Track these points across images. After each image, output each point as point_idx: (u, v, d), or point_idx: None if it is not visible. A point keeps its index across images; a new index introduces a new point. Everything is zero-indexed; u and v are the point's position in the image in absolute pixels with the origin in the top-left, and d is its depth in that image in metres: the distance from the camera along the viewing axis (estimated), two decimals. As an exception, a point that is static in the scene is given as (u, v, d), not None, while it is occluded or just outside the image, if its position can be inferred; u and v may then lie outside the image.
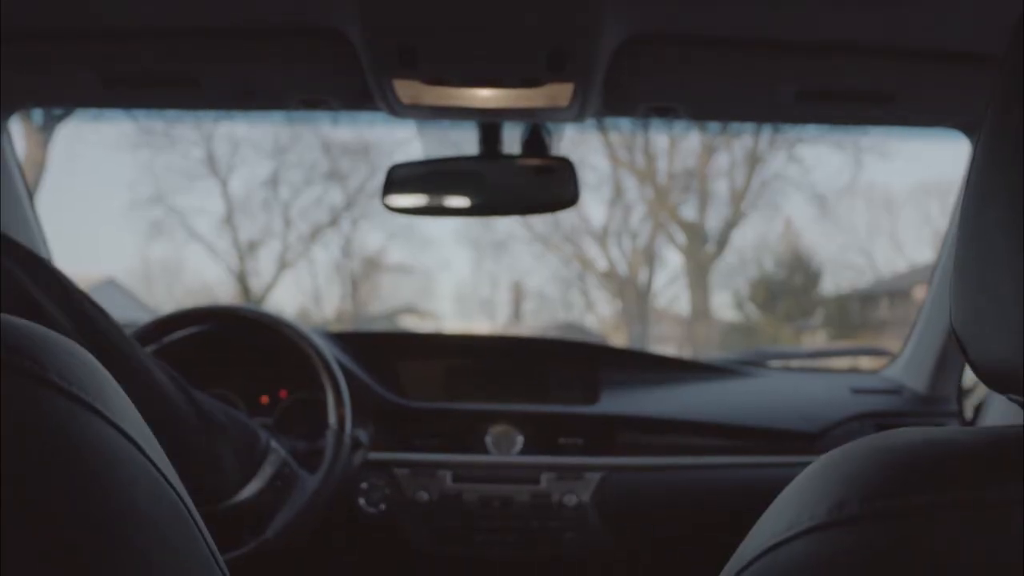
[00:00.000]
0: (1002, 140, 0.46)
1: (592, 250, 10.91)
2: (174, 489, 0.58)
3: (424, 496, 1.60)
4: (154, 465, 0.56)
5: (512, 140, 1.52)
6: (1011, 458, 0.42)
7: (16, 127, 1.63)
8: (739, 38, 1.21)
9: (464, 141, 1.54)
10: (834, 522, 0.42)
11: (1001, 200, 0.44)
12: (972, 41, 1.19)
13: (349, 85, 1.32)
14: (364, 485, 1.60)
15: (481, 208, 1.53)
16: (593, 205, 10.36)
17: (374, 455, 1.61)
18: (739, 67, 1.28)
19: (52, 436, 0.49)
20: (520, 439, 1.67)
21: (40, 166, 7.69)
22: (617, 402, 1.73)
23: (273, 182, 11.21)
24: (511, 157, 1.50)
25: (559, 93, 1.27)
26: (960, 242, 0.49)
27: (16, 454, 0.47)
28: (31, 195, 1.68)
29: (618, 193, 10.77)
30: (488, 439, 1.67)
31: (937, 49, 1.22)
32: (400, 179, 1.50)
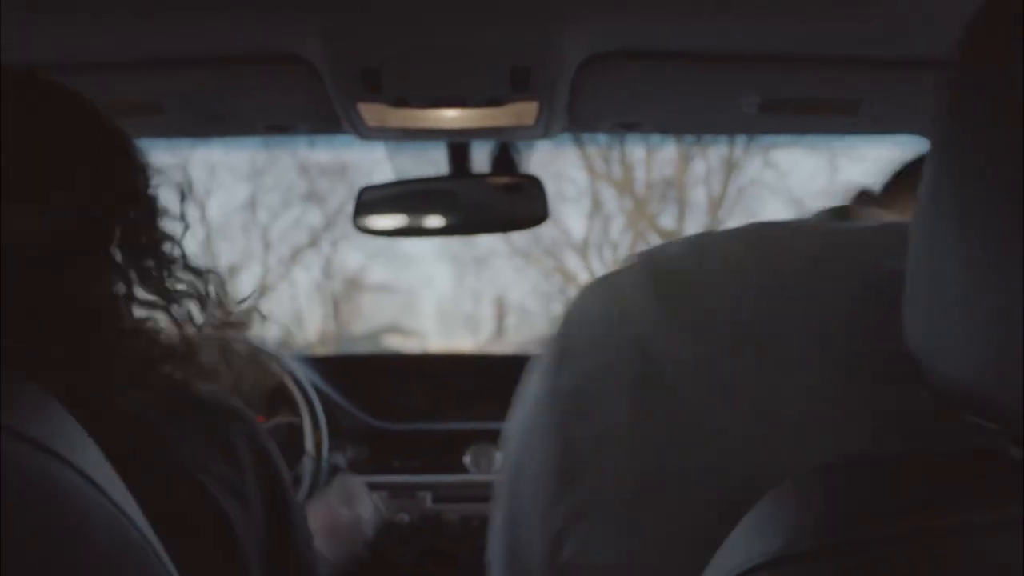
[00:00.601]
0: (952, 151, 0.45)
1: (573, 263, 10.92)
2: (139, 530, 0.57)
3: (404, 518, 1.60)
4: (117, 507, 0.55)
5: (482, 158, 1.52)
6: (964, 484, 0.42)
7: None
8: (702, 52, 1.22)
9: (438, 158, 1.55)
10: (786, 558, 0.41)
11: (953, 211, 0.44)
12: (935, 49, 1.20)
13: (315, 110, 1.32)
14: None
15: (453, 228, 1.54)
16: (573, 218, 10.38)
17: None
18: (703, 81, 1.28)
19: (7, 481, 0.49)
20: (499, 457, 1.67)
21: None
22: None
23: (251, 205, 11.16)
24: (481, 176, 1.50)
25: (524, 111, 1.28)
26: (913, 255, 0.49)
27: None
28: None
29: (597, 205, 10.79)
30: (467, 458, 1.67)
31: (900, 57, 1.23)
32: (371, 201, 1.50)
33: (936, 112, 0.47)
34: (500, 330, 11.13)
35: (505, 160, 1.50)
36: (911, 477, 0.43)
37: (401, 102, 1.25)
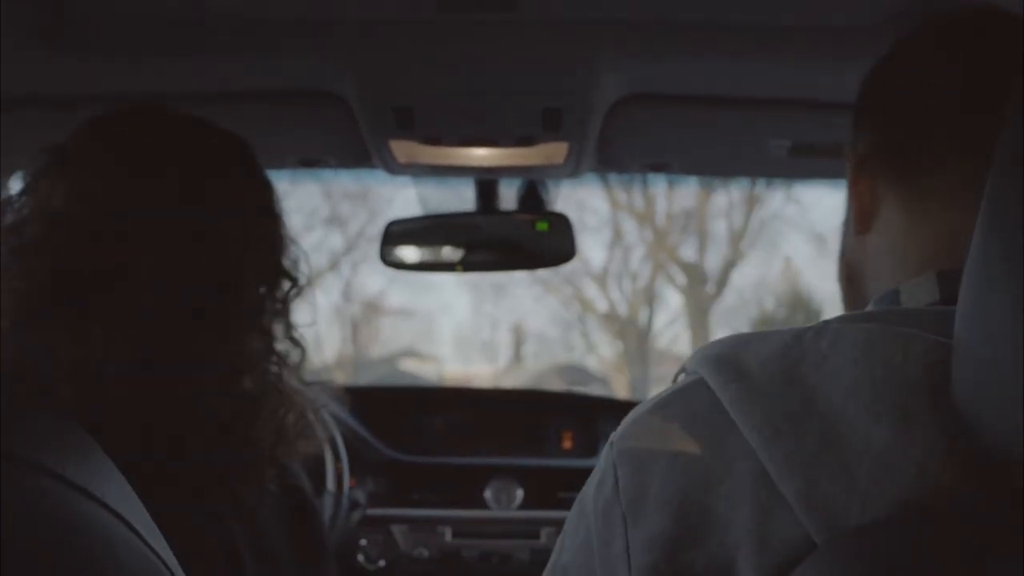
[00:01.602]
0: (1003, 205, 0.45)
1: (592, 291, 10.91)
2: (171, 571, 0.58)
3: (424, 553, 1.59)
4: (149, 547, 0.56)
5: (510, 195, 1.53)
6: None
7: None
8: (732, 96, 1.23)
9: (461, 186, 1.55)
10: None
11: (1005, 268, 0.44)
12: None
13: (346, 145, 1.34)
14: (363, 542, 1.59)
15: (479, 264, 1.54)
16: (593, 247, 10.38)
17: (372, 511, 1.60)
18: (733, 124, 1.29)
19: (44, 522, 0.49)
20: (520, 493, 1.66)
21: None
22: None
23: (273, 227, 11.23)
24: (508, 213, 1.51)
25: (554, 151, 1.28)
26: (962, 311, 0.49)
27: (8, 539, 0.47)
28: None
29: (617, 235, 10.79)
30: (488, 494, 1.66)
31: None
32: (398, 234, 1.51)
33: (993, 167, 0.47)
34: (517, 357, 11.12)
35: (533, 197, 1.51)
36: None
37: (432, 140, 1.26)
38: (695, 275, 10.95)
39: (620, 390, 10.44)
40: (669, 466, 0.61)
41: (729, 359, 0.61)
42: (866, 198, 0.72)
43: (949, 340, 0.52)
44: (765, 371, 0.58)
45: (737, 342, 0.62)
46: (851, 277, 0.76)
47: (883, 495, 0.51)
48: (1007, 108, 0.51)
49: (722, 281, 11.05)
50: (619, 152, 1.36)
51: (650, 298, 11.20)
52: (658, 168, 1.42)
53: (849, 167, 0.74)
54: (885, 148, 0.71)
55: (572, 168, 1.35)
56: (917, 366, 0.53)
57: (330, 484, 1.47)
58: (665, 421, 0.64)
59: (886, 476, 0.51)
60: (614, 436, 0.66)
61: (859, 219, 0.73)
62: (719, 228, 11.35)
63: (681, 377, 0.67)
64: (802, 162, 1.38)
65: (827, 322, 0.60)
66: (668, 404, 0.65)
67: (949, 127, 0.66)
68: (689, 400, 0.63)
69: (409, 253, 1.51)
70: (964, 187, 0.65)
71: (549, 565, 0.66)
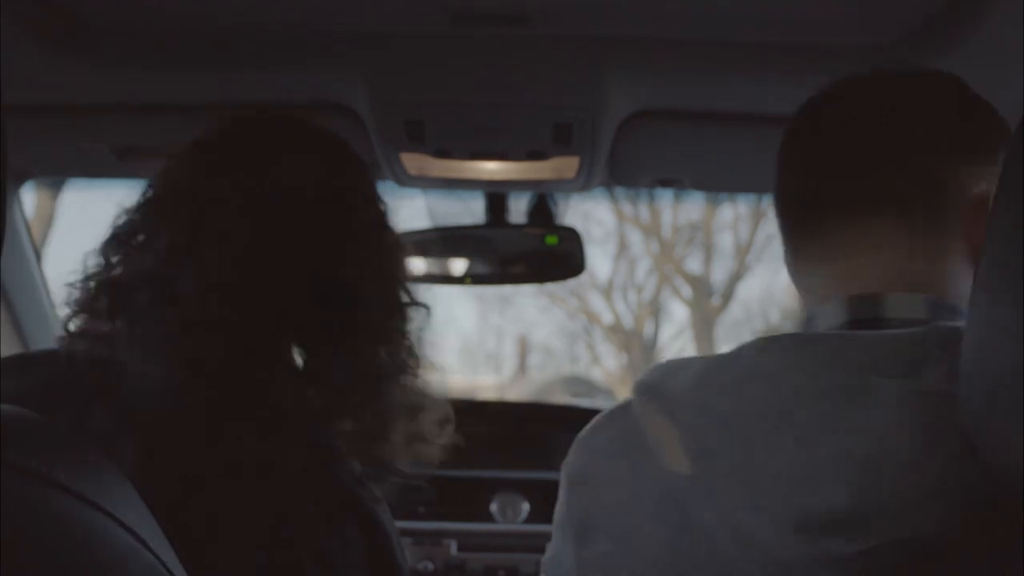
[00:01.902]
0: (1011, 225, 0.45)
1: (597, 303, 10.90)
2: None
3: (429, 566, 1.58)
4: (161, 562, 0.56)
5: (519, 208, 1.53)
6: None
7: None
8: (743, 113, 1.23)
9: (470, 198, 1.55)
10: None
11: (1011, 292, 0.44)
12: None
13: None
14: None
15: (487, 277, 1.54)
16: (599, 259, 10.37)
17: None
18: (744, 140, 1.29)
19: (56, 536, 0.49)
20: (526, 507, 1.65)
21: (48, 221, 7.73)
22: None
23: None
24: (518, 226, 1.51)
25: (565, 166, 1.28)
26: (970, 337, 0.49)
27: (20, 554, 0.47)
28: (38, 255, 1.69)
29: (623, 247, 10.79)
30: (494, 507, 1.65)
31: None
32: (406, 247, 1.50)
33: (997, 198, 0.47)
34: (522, 368, 11.10)
35: (542, 210, 1.51)
36: None
37: (443, 153, 1.26)
38: (701, 288, 10.93)
39: (625, 403, 10.38)
40: (597, 487, 0.67)
41: (654, 386, 0.66)
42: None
43: (852, 361, 0.57)
44: (684, 399, 0.63)
45: (665, 369, 0.67)
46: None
47: (791, 512, 0.54)
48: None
49: (728, 294, 11.02)
50: (629, 167, 1.36)
51: (655, 311, 11.18)
52: (668, 183, 1.42)
53: None
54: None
55: (582, 183, 1.35)
56: (819, 388, 0.57)
57: None
58: (595, 444, 0.70)
59: (791, 494, 0.54)
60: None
61: None
62: (725, 241, 11.34)
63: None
64: None
65: (740, 348, 0.64)
66: (597, 429, 0.71)
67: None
68: (617, 423, 0.69)
69: (417, 265, 1.51)
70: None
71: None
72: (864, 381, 0.56)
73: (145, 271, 0.83)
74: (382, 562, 0.83)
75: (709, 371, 0.63)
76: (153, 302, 0.81)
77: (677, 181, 1.41)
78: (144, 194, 0.89)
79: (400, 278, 0.95)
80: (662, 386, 0.65)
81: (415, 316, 0.95)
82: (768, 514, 0.55)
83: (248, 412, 0.81)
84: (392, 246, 0.95)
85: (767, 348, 0.62)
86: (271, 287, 0.85)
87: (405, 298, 0.94)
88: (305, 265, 0.87)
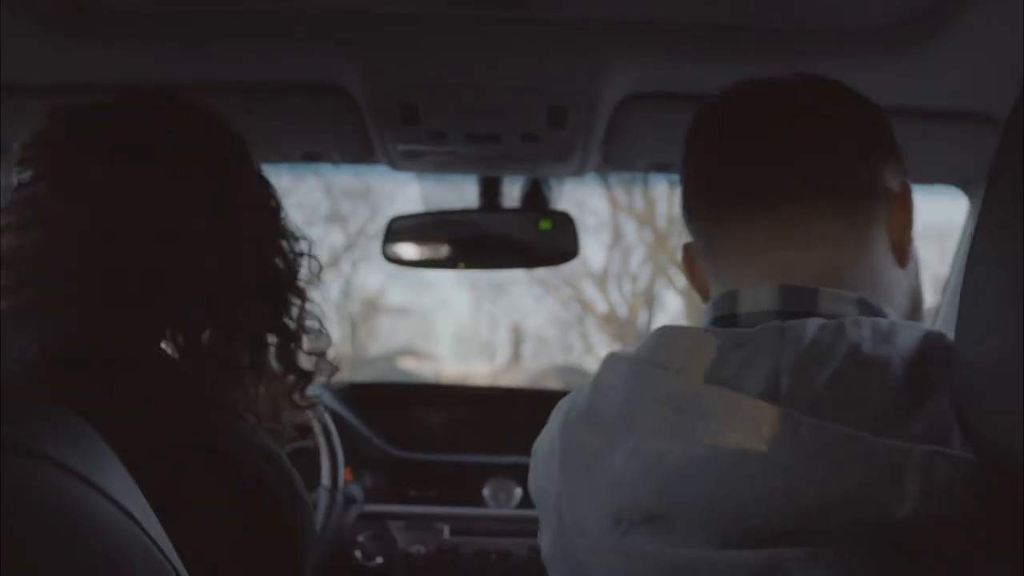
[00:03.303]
0: (1003, 212, 0.45)
1: (591, 293, 10.91)
2: (169, 561, 0.57)
3: (421, 549, 1.59)
4: (149, 537, 0.56)
5: (513, 193, 1.53)
6: None
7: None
8: None
9: (464, 184, 1.55)
10: None
11: (1003, 272, 0.44)
12: (970, 101, 1.20)
13: (350, 139, 1.33)
14: (360, 538, 1.58)
15: (480, 261, 1.54)
16: (593, 248, 10.38)
17: (370, 507, 1.60)
18: None
19: (45, 510, 0.49)
20: (519, 491, 1.66)
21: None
22: None
23: (274, 223, 11.20)
24: (511, 210, 1.50)
25: (560, 149, 1.28)
26: (962, 320, 0.49)
27: (10, 528, 0.46)
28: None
29: (617, 236, 10.79)
30: (486, 491, 1.66)
31: (935, 109, 1.23)
32: (400, 231, 1.50)
33: (991, 176, 0.47)
34: (516, 357, 11.11)
35: (536, 195, 1.50)
36: None
37: (437, 135, 1.25)
38: (695, 278, 10.93)
39: (618, 392, 10.41)
40: (537, 473, 0.75)
41: (573, 392, 0.73)
42: None
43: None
44: (575, 401, 0.70)
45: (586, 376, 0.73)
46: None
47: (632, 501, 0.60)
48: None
49: (722, 284, 11.03)
50: (624, 151, 1.36)
51: (650, 300, 11.19)
52: (663, 168, 1.42)
53: None
54: None
55: (577, 166, 1.35)
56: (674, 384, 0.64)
57: (325, 479, 1.47)
58: (547, 432, 0.76)
59: (619, 490, 0.61)
60: None
61: None
62: (719, 231, 11.35)
63: None
64: None
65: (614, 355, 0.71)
66: (551, 418, 0.77)
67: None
68: (557, 415, 0.75)
69: (411, 249, 1.51)
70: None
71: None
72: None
73: (21, 247, 0.83)
74: (260, 516, 0.82)
75: (591, 381, 0.73)
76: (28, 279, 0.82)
77: (672, 165, 1.40)
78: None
79: (274, 249, 0.95)
80: (575, 393, 0.74)
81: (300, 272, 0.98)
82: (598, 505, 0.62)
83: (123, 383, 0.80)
84: (253, 209, 0.94)
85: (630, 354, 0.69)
86: (138, 260, 0.84)
87: (281, 263, 0.95)
88: (169, 240, 0.85)
